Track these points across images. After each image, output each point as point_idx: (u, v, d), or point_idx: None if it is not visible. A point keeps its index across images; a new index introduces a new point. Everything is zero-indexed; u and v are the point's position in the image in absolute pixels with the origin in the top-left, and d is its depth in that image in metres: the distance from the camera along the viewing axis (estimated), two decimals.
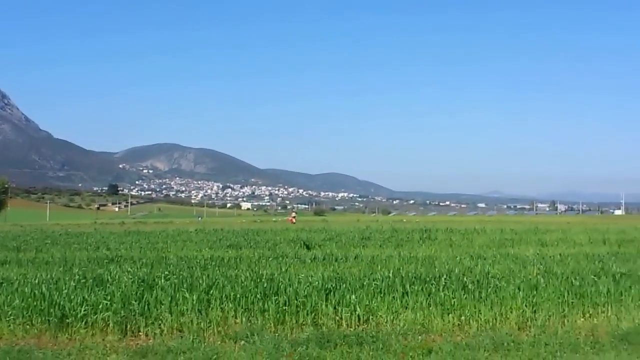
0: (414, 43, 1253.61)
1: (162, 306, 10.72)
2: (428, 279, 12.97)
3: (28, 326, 10.32)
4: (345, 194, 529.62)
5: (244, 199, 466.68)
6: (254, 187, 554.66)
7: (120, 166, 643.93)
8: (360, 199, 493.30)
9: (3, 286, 12.75)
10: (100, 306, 10.53)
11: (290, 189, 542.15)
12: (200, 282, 12.52)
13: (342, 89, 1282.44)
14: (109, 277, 13.99)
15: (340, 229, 46.43)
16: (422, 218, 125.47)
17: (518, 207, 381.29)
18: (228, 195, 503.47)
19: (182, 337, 9.85)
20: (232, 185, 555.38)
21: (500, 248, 25.45)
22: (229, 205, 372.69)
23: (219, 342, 9.59)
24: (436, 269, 15.94)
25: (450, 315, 10.60)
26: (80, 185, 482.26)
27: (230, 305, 10.81)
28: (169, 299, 10.99)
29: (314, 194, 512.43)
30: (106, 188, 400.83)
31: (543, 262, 18.29)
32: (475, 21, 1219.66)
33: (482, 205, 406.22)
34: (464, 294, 11.34)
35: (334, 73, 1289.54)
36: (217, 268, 17.17)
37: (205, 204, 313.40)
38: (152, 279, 13.11)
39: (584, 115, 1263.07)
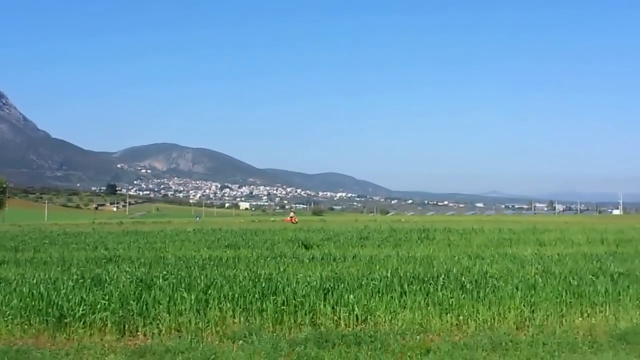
0: (414, 43, 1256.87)
1: (160, 306, 10.71)
2: (426, 278, 12.98)
3: (26, 326, 10.31)
4: (344, 194, 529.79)
5: (242, 198, 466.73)
6: (252, 187, 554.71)
7: (119, 166, 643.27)
8: (358, 199, 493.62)
9: (1, 286, 12.72)
10: (99, 306, 10.53)
11: (289, 189, 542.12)
12: (199, 282, 12.51)
13: (342, 88, 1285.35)
14: (107, 277, 13.98)
15: (339, 228, 46.42)
16: (420, 218, 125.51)
17: (516, 206, 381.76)
18: (226, 195, 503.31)
19: (180, 337, 9.84)
20: (230, 185, 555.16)
21: (498, 248, 25.47)
22: (227, 205, 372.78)
23: (217, 342, 9.59)
24: (434, 269, 15.95)
25: (448, 315, 10.61)
26: (78, 185, 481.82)
27: (229, 305, 10.81)
28: (167, 298, 10.98)
29: (312, 193, 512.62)
30: (104, 188, 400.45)
31: (541, 261, 18.30)
32: (475, 21, 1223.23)
33: (480, 205, 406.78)
34: (462, 294, 11.36)
35: (333, 73, 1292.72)
36: (215, 268, 17.15)
37: (203, 203, 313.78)
38: (150, 279, 13.10)
39: (584, 115, 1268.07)
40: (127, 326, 10.25)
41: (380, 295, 11.35)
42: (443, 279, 12.82)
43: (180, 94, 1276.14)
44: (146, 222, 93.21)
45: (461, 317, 10.57)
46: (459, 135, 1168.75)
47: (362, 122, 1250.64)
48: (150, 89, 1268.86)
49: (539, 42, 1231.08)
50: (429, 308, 10.78)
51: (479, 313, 10.67)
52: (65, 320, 10.23)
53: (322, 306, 10.82)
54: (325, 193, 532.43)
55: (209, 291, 11.45)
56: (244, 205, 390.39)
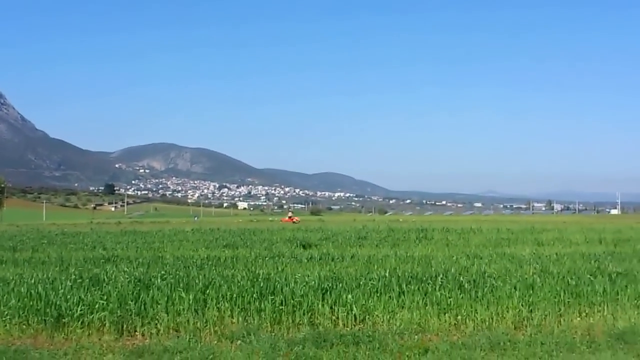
0: (414, 42, 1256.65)
1: (159, 306, 10.71)
2: (424, 278, 12.99)
3: (24, 326, 10.30)
4: (342, 194, 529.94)
5: (241, 198, 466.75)
6: (250, 186, 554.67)
7: (117, 166, 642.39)
8: (356, 199, 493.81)
9: None
10: (97, 306, 10.53)
11: (287, 189, 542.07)
12: (197, 281, 12.52)
13: (342, 88, 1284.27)
14: (105, 277, 13.98)
15: (337, 228, 46.42)
16: (418, 217, 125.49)
17: (514, 206, 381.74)
18: (224, 195, 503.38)
19: (178, 336, 9.84)
20: (228, 185, 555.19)
21: (496, 247, 25.50)
22: (225, 205, 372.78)
23: (216, 342, 9.59)
24: (432, 269, 15.97)
25: (446, 314, 10.62)
26: (76, 185, 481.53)
27: (227, 304, 10.81)
28: (166, 298, 10.98)
29: (311, 193, 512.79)
30: (102, 188, 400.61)
31: (539, 261, 18.33)
32: (476, 20, 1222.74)
33: (478, 204, 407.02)
34: (460, 294, 11.37)
35: (333, 73, 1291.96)
36: (213, 268, 17.15)
37: (201, 203, 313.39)
38: (149, 279, 13.10)
39: (583, 115, 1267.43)
40: (125, 326, 10.25)
41: (378, 295, 11.36)
42: (441, 278, 12.83)
43: (179, 94, 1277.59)
44: (144, 222, 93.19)
45: (459, 317, 10.58)
46: (459, 134, 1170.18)
47: (362, 122, 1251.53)
48: (149, 88, 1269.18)
49: (539, 42, 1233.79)
50: (427, 308, 10.79)
51: (477, 313, 10.68)
52: (64, 320, 10.23)
53: (320, 306, 10.82)
54: (323, 193, 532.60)
55: (207, 291, 11.45)
56: (242, 205, 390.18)
